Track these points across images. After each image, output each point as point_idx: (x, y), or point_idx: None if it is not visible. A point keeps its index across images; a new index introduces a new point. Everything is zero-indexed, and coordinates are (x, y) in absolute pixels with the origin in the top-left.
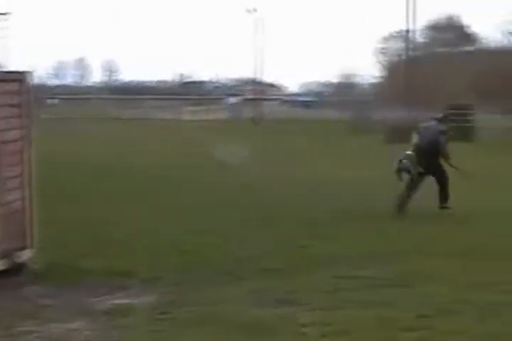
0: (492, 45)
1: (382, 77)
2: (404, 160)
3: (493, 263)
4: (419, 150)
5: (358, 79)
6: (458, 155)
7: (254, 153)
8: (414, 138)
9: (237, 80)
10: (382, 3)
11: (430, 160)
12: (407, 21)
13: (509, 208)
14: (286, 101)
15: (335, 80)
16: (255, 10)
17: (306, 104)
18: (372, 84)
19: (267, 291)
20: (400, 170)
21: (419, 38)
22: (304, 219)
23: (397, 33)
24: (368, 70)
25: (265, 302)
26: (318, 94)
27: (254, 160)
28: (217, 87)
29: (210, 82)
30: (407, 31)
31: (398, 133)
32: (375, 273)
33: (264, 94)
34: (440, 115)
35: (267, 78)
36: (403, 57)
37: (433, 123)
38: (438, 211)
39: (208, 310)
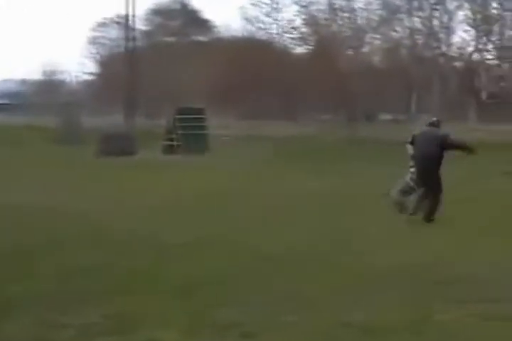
0: (229, 34)
1: (95, 73)
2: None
3: (221, 301)
4: (418, 161)
5: (65, 77)
6: (187, 173)
7: None
8: (410, 150)
9: None
10: None
11: (431, 170)
12: (127, 5)
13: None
14: None
15: (36, 78)
16: None
17: None
18: (84, 83)
19: None
20: (404, 193)
21: (142, 26)
22: None
23: (113, 19)
24: (79, 65)
25: None
26: (15, 95)
27: None
28: None
29: None
30: (127, 17)
31: (115, 144)
32: (86, 318)
33: None
34: (434, 119)
35: None
36: (122, 49)
37: (430, 129)
38: (155, 242)
39: None
